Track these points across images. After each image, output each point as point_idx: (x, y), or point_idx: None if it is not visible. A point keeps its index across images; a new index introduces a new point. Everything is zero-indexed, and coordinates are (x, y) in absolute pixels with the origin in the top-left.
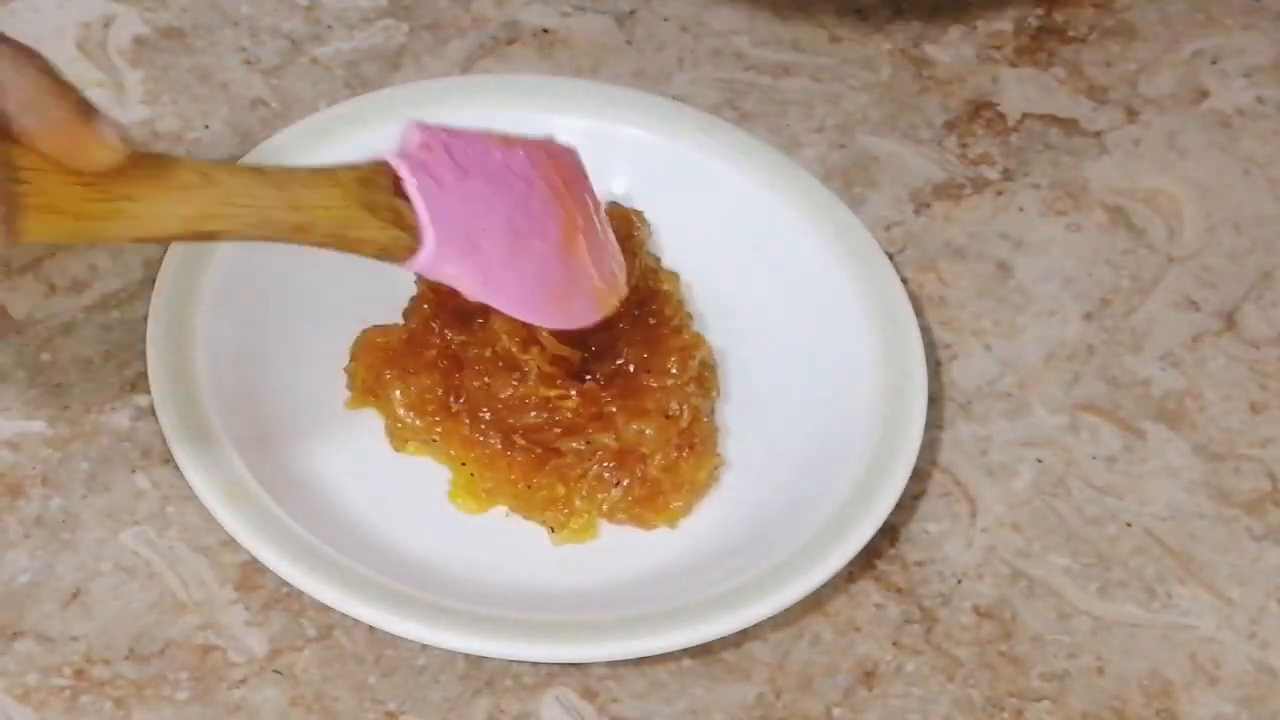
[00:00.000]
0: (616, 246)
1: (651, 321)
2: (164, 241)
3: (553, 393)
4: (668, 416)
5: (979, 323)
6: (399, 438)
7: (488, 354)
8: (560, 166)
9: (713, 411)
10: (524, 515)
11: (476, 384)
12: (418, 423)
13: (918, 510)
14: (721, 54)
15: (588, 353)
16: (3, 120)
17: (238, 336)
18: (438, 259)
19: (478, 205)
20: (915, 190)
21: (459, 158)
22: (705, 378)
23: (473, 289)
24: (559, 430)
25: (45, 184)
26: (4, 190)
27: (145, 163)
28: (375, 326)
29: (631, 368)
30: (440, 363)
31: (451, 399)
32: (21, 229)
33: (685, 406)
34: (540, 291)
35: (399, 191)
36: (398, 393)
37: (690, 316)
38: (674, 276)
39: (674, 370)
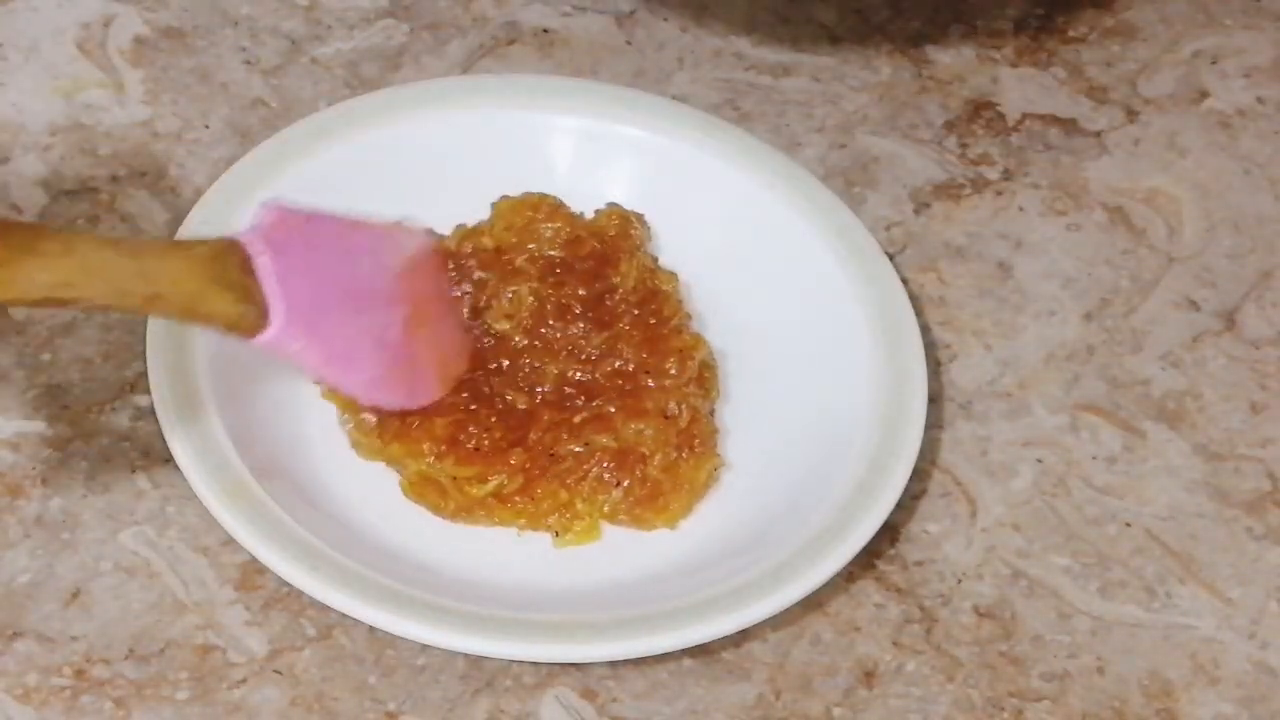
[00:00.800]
0: (460, 327)
1: (651, 322)
2: (23, 305)
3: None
4: (666, 417)
5: (979, 323)
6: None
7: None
8: (408, 251)
9: (712, 412)
10: (531, 527)
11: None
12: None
13: (918, 510)
14: (721, 54)
15: (587, 356)
16: None
17: None
18: (283, 336)
19: (325, 285)
20: (915, 190)
21: (310, 237)
22: (705, 378)
23: (316, 367)
24: (559, 431)
25: None
26: None
27: (9, 231)
28: None
29: (631, 367)
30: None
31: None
32: None
33: (684, 407)
34: (382, 372)
35: (248, 269)
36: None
37: (689, 317)
38: (673, 276)
39: (673, 370)
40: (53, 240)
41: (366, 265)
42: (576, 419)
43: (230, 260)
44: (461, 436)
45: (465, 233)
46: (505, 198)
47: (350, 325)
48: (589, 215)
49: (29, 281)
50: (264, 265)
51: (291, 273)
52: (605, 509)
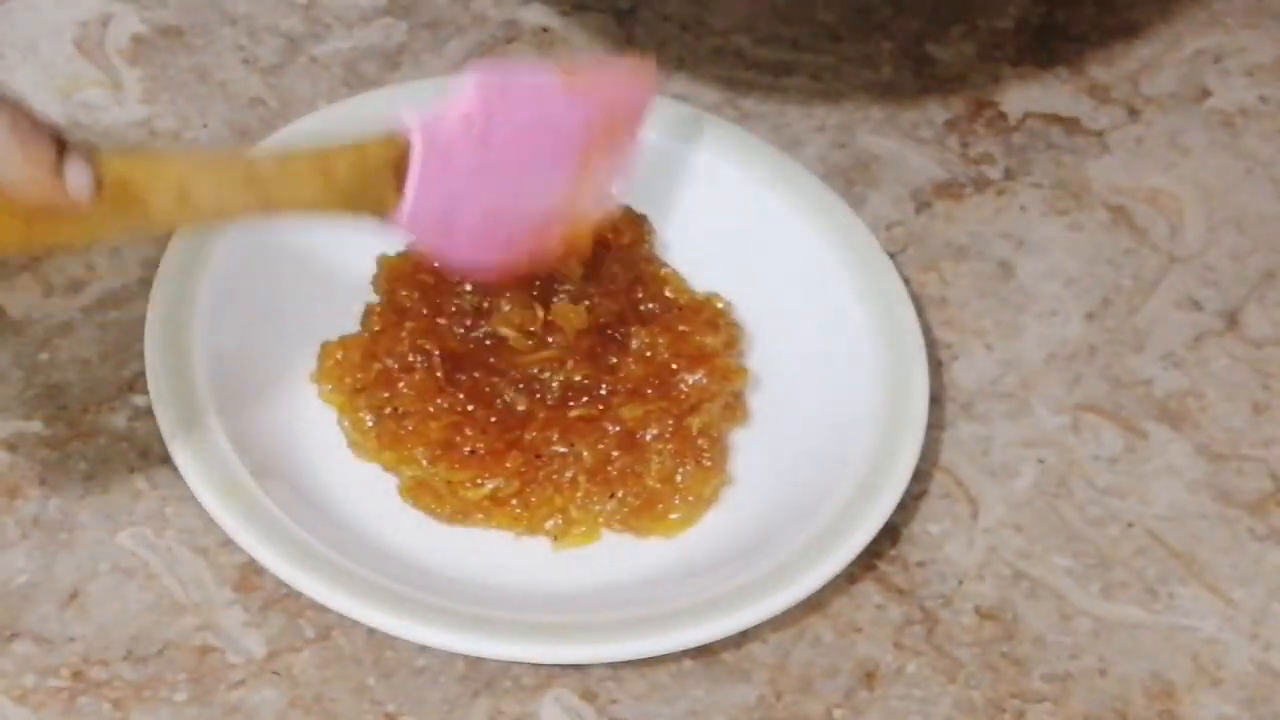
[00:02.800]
0: (623, 170)
1: (683, 328)
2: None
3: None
4: (679, 419)
5: (980, 322)
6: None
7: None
8: (616, 106)
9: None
10: (528, 533)
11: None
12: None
13: (919, 511)
14: (722, 52)
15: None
16: None
17: (236, 336)
18: (404, 225)
19: (480, 182)
20: (916, 190)
21: (497, 122)
22: (733, 405)
23: (423, 249)
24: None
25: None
26: None
27: (122, 189)
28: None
29: (651, 363)
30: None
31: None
32: None
33: (697, 422)
34: (498, 251)
35: (400, 173)
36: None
37: (738, 338)
38: (679, 278)
39: (704, 383)
40: (165, 194)
41: (548, 139)
42: (573, 414)
43: (378, 175)
44: (457, 439)
45: None
46: None
47: (485, 213)
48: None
49: (134, 230)
50: (414, 180)
51: (445, 176)
52: (600, 519)
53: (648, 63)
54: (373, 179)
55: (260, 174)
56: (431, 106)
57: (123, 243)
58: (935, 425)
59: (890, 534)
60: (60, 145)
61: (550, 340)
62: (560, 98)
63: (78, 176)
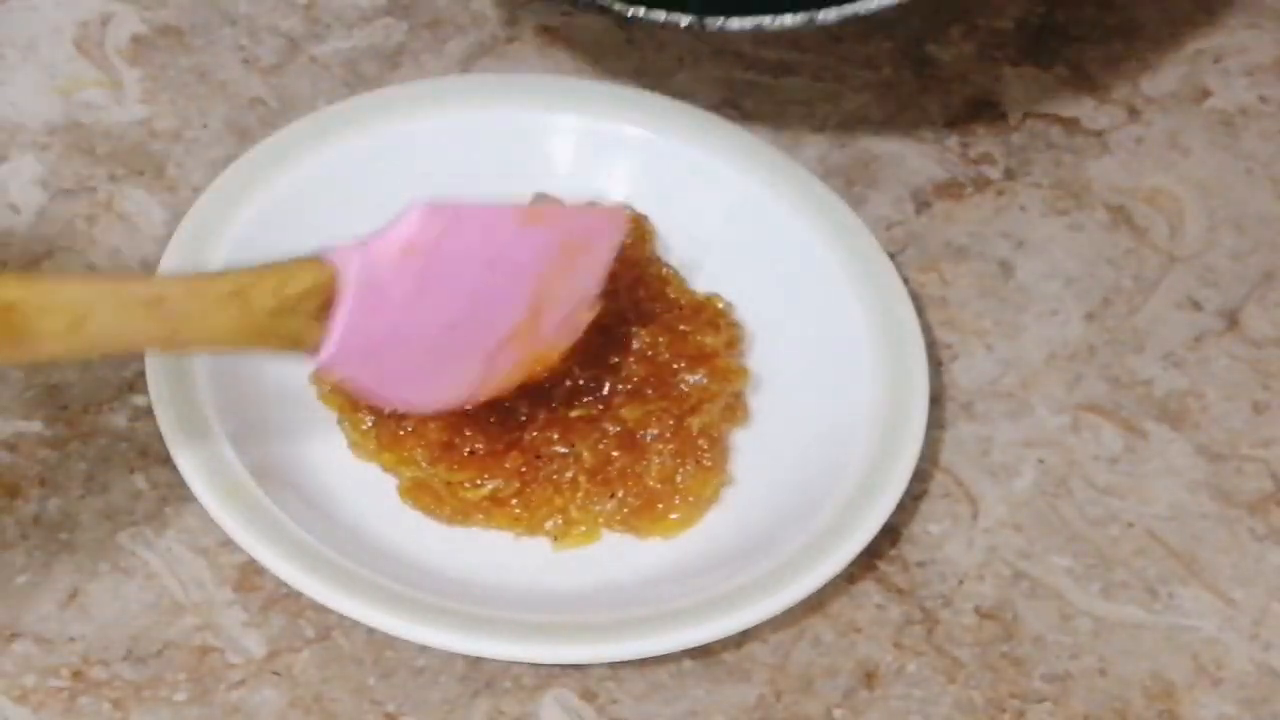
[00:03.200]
0: (585, 308)
1: (683, 329)
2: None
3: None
4: (679, 419)
5: (980, 322)
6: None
7: None
8: (576, 241)
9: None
10: (528, 534)
11: None
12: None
13: (919, 511)
14: (722, 53)
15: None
16: None
17: None
18: (327, 366)
19: (418, 320)
20: (916, 189)
21: (442, 254)
22: (734, 406)
23: (357, 389)
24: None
25: None
26: None
27: (4, 315)
28: None
29: (652, 363)
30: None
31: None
32: None
33: (698, 422)
34: (437, 390)
35: (327, 305)
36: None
37: (739, 338)
38: (680, 279)
39: (704, 383)
40: (59, 316)
41: (499, 267)
42: (573, 414)
43: (300, 309)
44: (457, 441)
45: None
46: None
47: (423, 355)
48: None
49: (27, 359)
50: (342, 319)
51: (375, 314)
52: (600, 519)
53: (618, 209)
54: (293, 311)
55: (166, 301)
56: (368, 234)
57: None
58: (935, 425)
59: (890, 534)
60: None
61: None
62: (514, 230)
63: None
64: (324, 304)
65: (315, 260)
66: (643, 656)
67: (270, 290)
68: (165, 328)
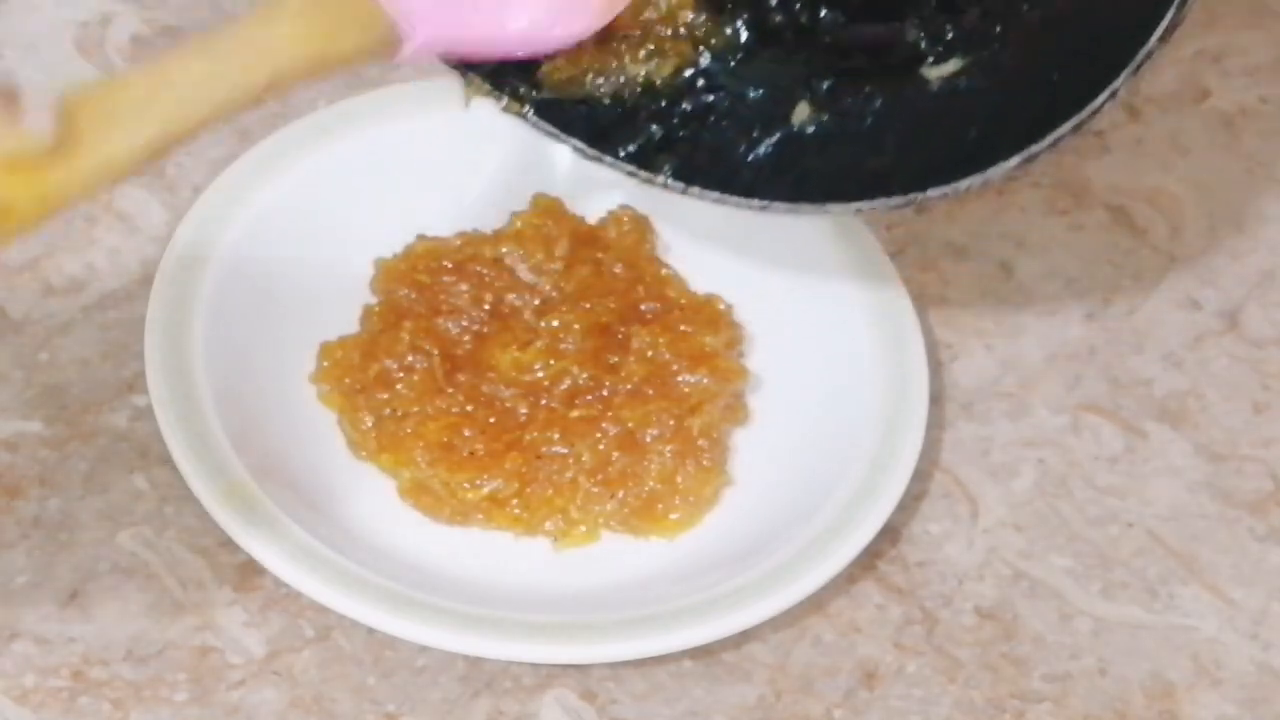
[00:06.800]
0: None
1: (684, 329)
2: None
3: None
4: (680, 419)
5: (980, 322)
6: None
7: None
8: None
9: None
10: (528, 534)
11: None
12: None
13: (919, 511)
14: None
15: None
16: None
17: (237, 336)
18: (419, 38)
19: None
20: None
21: None
22: (734, 406)
23: (478, 49)
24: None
25: None
26: None
27: (85, 109)
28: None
29: (652, 363)
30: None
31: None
32: None
33: (698, 423)
34: (551, 6)
35: None
36: (366, 416)
37: (739, 338)
38: (679, 279)
39: (705, 383)
40: (136, 87)
41: None
42: (573, 414)
43: None
44: (457, 441)
45: (473, 240)
46: (518, 213)
47: None
48: (589, 215)
49: (127, 154)
50: None
51: None
52: (600, 519)
53: None
54: (330, 12)
55: (223, 34)
56: None
57: (121, 246)
58: (935, 425)
59: (890, 534)
60: (4, 92)
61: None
62: None
63: (34, 112)
64: None
65: None
66: (643, 656)
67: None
68: (238, 59)
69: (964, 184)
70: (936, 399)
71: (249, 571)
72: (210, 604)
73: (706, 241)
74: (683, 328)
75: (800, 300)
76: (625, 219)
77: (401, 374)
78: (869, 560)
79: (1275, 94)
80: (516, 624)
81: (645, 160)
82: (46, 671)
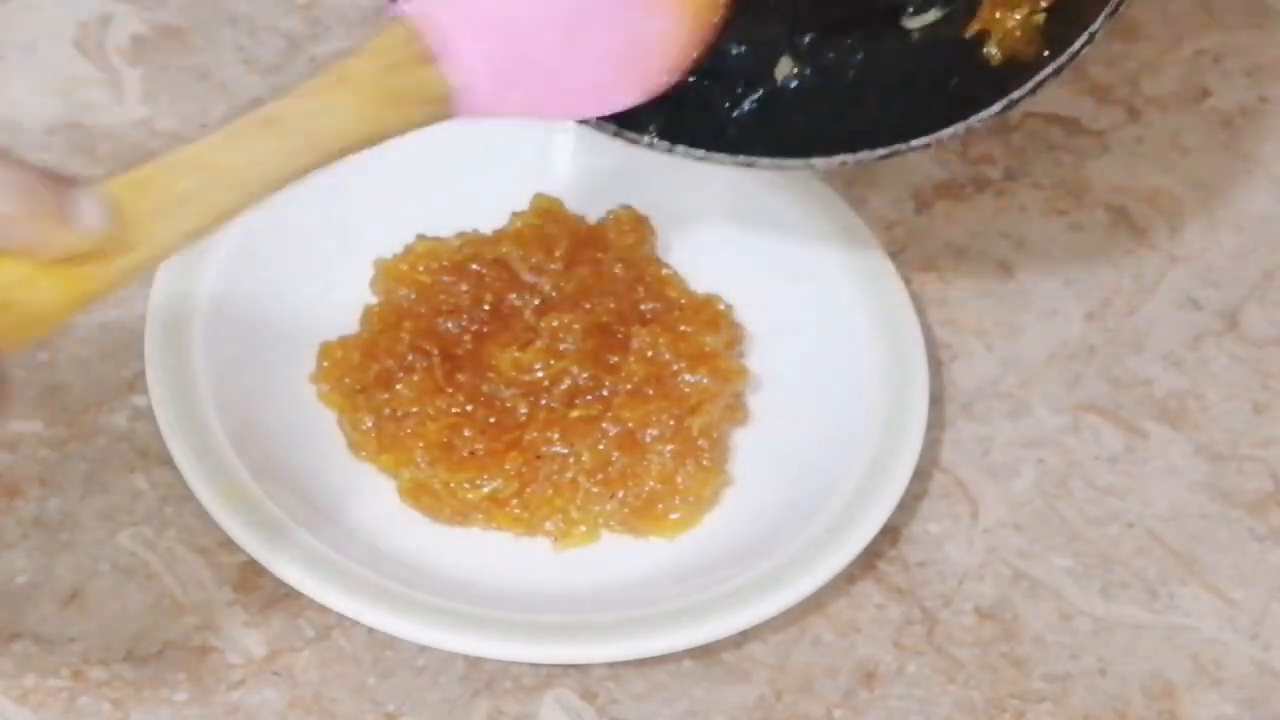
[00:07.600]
0: None
1: (684, 329)
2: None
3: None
4: (680, 419)
5: (980, 323)
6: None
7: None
8: None
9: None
10: (528, 534)
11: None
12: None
13: (919, 511)
14: None
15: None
16: None
17: (236, 336)
18: (482, 105)
19: (524, 15)
20: (916, 189)
21: None
22: (734, 406)
23: (534, 111)
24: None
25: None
26: None
27: (135, 201)
28: (337, 340)
29: (652, 363)
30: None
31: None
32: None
33: (698, 424)
34: (617, 67)
35: (426, 53)
36: (367, 417)
37: (739, 338)
38: (679, 279)
39: (706, 383)
40: (186, 175)
41: None
42: (573, 414)
43: (403, 60)
44: (456, 442)
45: (473, 240)
46: (518, 213)
47: (563, 37)
48: (589, 215)
49: (175, 236)
50: (440, 51)
51: (478, 35)
52: (600, 520)
53: None
54: (400, 65)
55: (279, 118)
56: None
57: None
58: (935, 425)
59: (890, 534)
60: (58, 184)
61: (551, 362)
62: None
63: (87, 206)
64: (427, 48)
65: (394, 19)
66: (643, 656)
67: (367, 55)
68: (294, 142)
69: (947, 132)
70: (936, 399)
71: (249, 571)
72: (210, 604)
73: (706, 241)
74: (683, 328)
75: (800, 300)
76: (625, 219)
77: (401, 374)
78: (869, 560)
79: (1275, 94)
80: (516, 624)
81: (630, 121)
82: (46, 671)
